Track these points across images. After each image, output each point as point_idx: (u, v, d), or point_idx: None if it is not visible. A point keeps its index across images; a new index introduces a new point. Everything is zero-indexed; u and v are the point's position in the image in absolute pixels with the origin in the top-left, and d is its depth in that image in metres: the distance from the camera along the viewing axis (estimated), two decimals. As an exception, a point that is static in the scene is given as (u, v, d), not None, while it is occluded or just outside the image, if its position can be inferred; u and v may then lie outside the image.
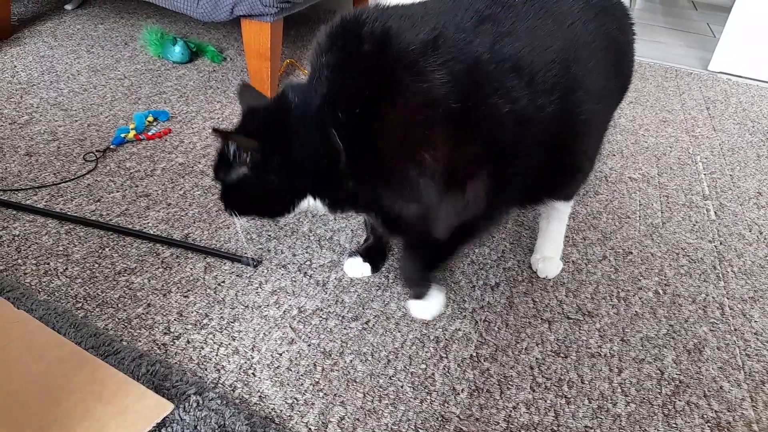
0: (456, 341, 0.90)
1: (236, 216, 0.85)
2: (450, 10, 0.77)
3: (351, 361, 0.85)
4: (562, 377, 0.86)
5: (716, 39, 2.43)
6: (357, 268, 1.02)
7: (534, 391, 0.83)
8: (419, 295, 0.94)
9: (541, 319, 0.96)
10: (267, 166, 0.78)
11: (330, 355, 0.85)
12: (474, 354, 0.88)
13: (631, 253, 1.15)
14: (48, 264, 0.95)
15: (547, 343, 0.91)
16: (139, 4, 2.19)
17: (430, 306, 0.94)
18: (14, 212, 1.06)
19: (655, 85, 2.09)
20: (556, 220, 1.07)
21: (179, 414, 0.71)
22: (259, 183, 0.79)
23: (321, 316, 0.92)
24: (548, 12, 0.82)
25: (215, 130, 0.74)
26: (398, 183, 0.77)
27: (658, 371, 0.89)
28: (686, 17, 3.42)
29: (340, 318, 0.92)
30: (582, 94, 0.83)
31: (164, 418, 0.70)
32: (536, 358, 0.88)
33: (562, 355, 0.90)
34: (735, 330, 0.98)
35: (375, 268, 1.03)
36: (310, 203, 0.83)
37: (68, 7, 2.17)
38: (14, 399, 0.66)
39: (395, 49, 0.71)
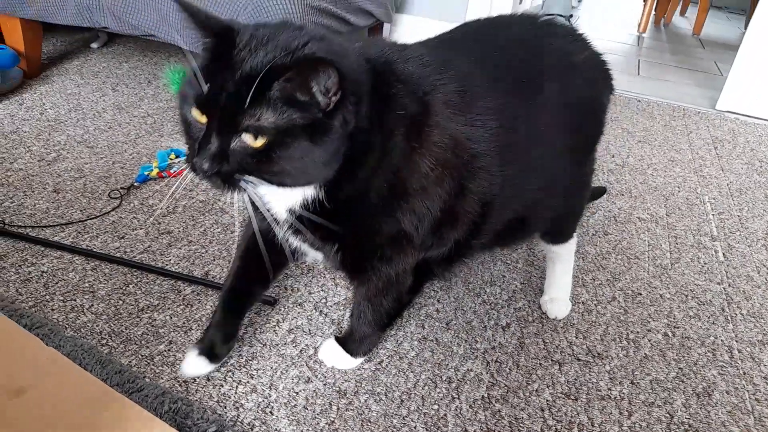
0: (468, 382, 0.92)
1: (244, 190, 0.66)
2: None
3: (365, 401, 0.87)
4: (573, 420, 0.87)
5: (724, 78, 2.47)
6: (193, 364, 0.86)
7: (545, 433, 0.85)
8: (367, 351, 0.94)
9: (552, 360, 0.98)
10: (352, 117, 0.66)
11: (345, 395, 0.88)
12: (485, 395, 0.90)
13: (641, 294, 1.17)
14: (75, 300, 0.99)
15: (557, 385, 0.93)
16: (162, 44, 2.28)
17: (354, 361, 0.93)
18: (42, 248, 1.11)
19: (663, 124, 2.13)
20: (558, 262, 1.09)
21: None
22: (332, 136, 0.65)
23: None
24: (517, 78, 0.85)
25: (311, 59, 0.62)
26: (405, 207, 0.75)
27: (667, 415, 0.90)
28: (693, 55, 3.47)
29: (355, 357, 0.95)
30: (541, 154, 0.87)
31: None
32: (547, 400, 0.90)
33: (572, 397, 0.91)
34: (744, 374, 1.00)
35: (216, 360, 0.87)
36: (306, 193, 0.72)
37: (94, 45, 2.26)
38: (44, 435, 0.69)
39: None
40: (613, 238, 1.36)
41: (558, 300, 1.09)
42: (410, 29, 2.55)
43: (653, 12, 4.10)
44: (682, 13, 5.06)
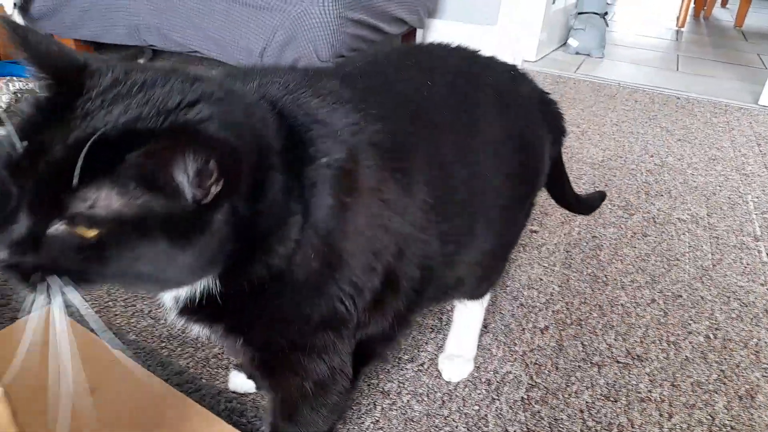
0: (507, 384, 0.95)
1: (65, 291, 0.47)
2: None
3: (408, 401, 0.91)
4: (612, 421, 0.89)
5: None
6: (239, 383, 0.87)
7: (584, 434, 0.87)
8: None
9: (591, 362, 1.00)
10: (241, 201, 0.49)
11: (388, 395, 0.91)
12: (525, 396, 0.92)
13: (681, 296, 1.17)
14: (135, 305, 1.06)
15: (596, 387, 0.95)
16: (204, 58, 2.37)
17: None
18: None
19: (704, 121, 2.10)
20: (466, 316, 0.98)
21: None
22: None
23: (397, 351, 0.99)
24: (452, 117, 0.74)
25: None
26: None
27: (709, 417, 0.90)
28: (736, 48, 3.38)
29: (397, 359, 0.99)
30: (478, 206, 0.76)
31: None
32: (586, 402, 0.92)
33: (612, 399, 0.93)
34: (789, 376, 0.99)
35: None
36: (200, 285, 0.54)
37: (141, 61, 2.38)
38: (113, 434, 0.75)
39: None
40: (653, 239, 1.36)
41: (455, 358, 0.97)
42: (443, 34, 2.58)
43: (692, 5, 4.01)
44: (723, 4, 4.92)
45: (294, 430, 0.69)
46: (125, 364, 0.85)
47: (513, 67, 0.87)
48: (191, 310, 0.57)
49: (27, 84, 1.79)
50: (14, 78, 1.77)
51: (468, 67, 0.82)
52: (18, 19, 1.91)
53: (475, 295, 0.94)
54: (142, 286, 0.52)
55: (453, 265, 0.76)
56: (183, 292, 0.55)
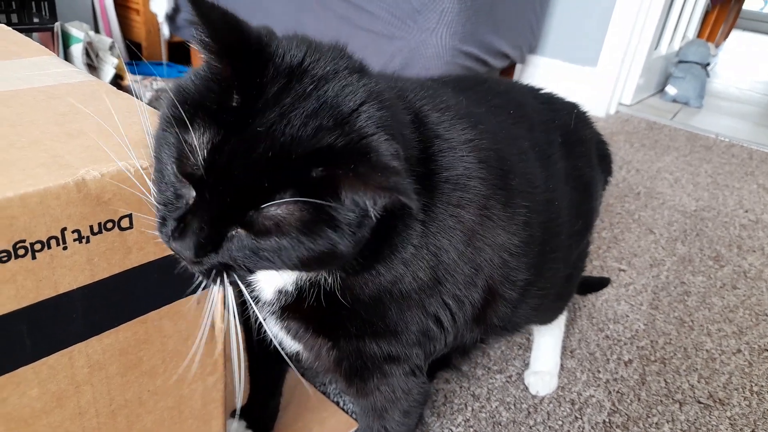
0: (590, 406, 1.01)
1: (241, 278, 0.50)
2: None
3: (496, 407, 0.99)
4: (691, 455, 0.93)
5: None
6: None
7: (663, 463, 0.92)
8: None
9: (673, 399, 1.04)
10: None
11: (478, 399, 1.00)
12: (607, 420, 0.99)
13: (768, 350, 1.19)
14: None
15: (677, 422, 0.99)
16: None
17: None
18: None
19: (805, 182, 2.06)
20: (547, 335, 1.06)
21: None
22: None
23: (470, 365, 1.08)
24: (537, 147, 0.77)
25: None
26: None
27: (789, 467, 0.93)
28: None
29: (486, 369, 1.07)
30: (558, 230, 0.78)
31: None
32: (666, 434, 0.97)
33: (691, 435, 0.97)
34: None
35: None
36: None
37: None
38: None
39: None
40: (742, 293, 1.38)
41: (541, 373, 1.05)
42: (541, 71, 2.65)
43: (801, 62, 3.87)
44: (836, 63, 4.70)
45: (395, 430, 0.72)
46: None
47: (576, 106, 0.92)
48: (291, 306, 0.58)
49: (168, 83, 2.02)
50: (156, 78, 2.01)
51: (539, 102, 0.86)
52: (165, 27, 2.16)
53: (543, 321, 0.99)
54: (305, 270, 0.53)
55: (528, 293, 0.75)
56: (291, 283, 0.57)
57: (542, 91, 0.92)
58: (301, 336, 0.62)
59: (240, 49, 0.45)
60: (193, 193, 0.45)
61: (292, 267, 0.48)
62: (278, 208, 0.44)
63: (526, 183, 0.70)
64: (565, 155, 0.81)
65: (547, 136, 0.81)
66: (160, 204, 0.47)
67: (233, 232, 0.46)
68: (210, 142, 0.43)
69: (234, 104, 0.44)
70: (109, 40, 1.97)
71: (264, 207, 0.43)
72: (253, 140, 0.43)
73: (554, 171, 0.78)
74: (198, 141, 0.43)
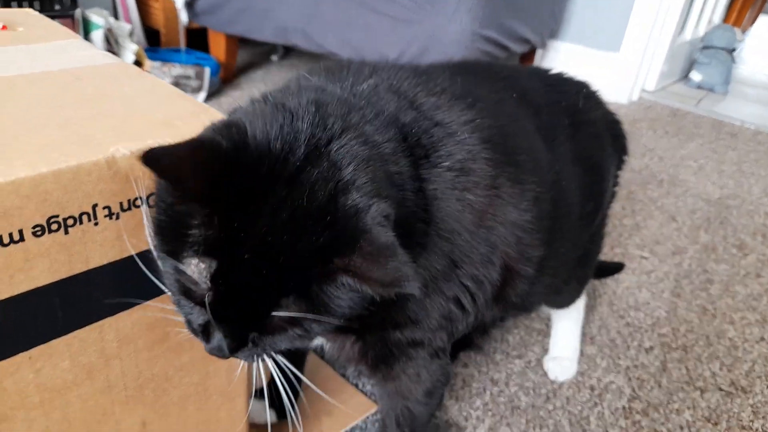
0: (610, 392, 1.01)
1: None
2: None
3: (515, 391, 0.99)
4: (712, 442, 0.93)
5: None
6: (259, 413, 0.85)
7: (683, 449, 0.92)
8: None
9: (694, 386, 1.04)
10: None
11: (497, 384, 1.00)
12: (626, 406, 0.98)
13: (792, 339, 1.18)
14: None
15: (698, 409, 0.99)
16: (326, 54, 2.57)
17: None
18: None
19: (834, 170, 2.01)
20: (564, 319, 1.06)
21: (379, 414, 0.91)
22: None
23: (489, 351, 1.08)
24: (542, 126, 0.76)
25: None
26: None
27: (812, 456, 0.92)
28: None
29: (505, 354, 1.07)
30: (569, 211, 0.78)
31: (367, 416, 0.90)
32: (687, 420, 0.96)
33: (712, 422, 0.97)
34: None
35: (282, 414, 0.84)
36: None
37: (274, 58, 2.61)
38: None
39: None
40: (767, 281, 1.36)
41: (560, 359, 1.05)
42: (563, 57, 2.62)
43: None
44: None
45: (422, 411, 0.75)
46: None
47: (585, 85, 0.90)
48: None
49: (185, 69, 2.04)
50: (175, 64, 2.03)
51: (545, 85, 0.85)
52: (183, 13, 2.18)
53: (559, 304, 0.99)
54: None
55: (543, 271, 0.75)
56: None
57: (550, 73, 0.90)
58: (324, 335, 0.64)
59: (215, 193, 0.43)
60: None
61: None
62: (287, 311, 0.45)
63: (533, 160, 0.69)
64: (573, 137, 0.80)
65: (554, 119, 0.80)
66: (178, 299, 0.48)
67: (254, 335, 0.48)
68: (208, 274, 0.44)
69: (219, 233, 0.43)
70: (128, 27, 1.99)
71: (274, 315, 0.45)
72: (245, 262, 0.43)
73: (561, 153, 0.77)
74: (198, 275, 0.44)
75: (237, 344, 0.47)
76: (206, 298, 0.44)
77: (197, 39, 2.35)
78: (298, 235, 0.43)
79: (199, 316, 0.47)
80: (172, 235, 0.45)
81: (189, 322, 0.49)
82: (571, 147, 0.79)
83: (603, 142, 0.87)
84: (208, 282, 0.44)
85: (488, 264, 0.62)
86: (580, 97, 0.86)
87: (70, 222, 0.44)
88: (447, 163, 0.56)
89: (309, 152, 0.46)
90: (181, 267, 0.44)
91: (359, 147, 0.48)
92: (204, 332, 0.48)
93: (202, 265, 0.44)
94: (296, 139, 0.46)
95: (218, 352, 0.48)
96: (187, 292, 0.46)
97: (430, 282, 0.58)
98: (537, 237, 0.68)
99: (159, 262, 0.47)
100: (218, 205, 0.43)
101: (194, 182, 0.42)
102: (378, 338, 0.63)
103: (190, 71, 2.04)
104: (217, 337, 0.47)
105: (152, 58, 2.06)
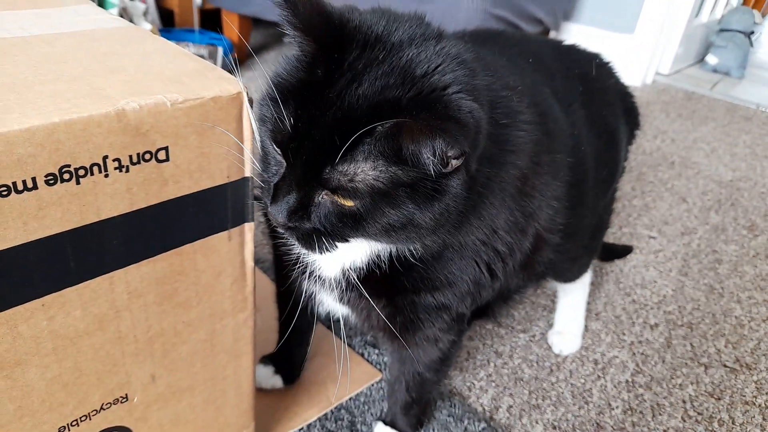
0: (613, 366, 1.02)
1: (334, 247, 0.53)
2: None
3: (519, 364, 1.00)
4: (714, 415, 0.93)
5: None
6: (266, 379, 0.88)
7: (684, 421, 0.92)
8: (416, 425, 0.84)
9: (698, 362, 1.04)
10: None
11: (501, 356, 1.02)
12: (630, 380, 0.99)
13: (800, 319, 1.17)
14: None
15: (701, 384, 0.99)
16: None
17: None
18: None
19: None
20: (570, 294, 1.06)
21: (383, 382, 0.92)
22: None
23: (494, 324, 1.09)
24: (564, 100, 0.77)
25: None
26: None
27: (815, 431, 0.92)
28: None
29: (510, 328, 1.08)
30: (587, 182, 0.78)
31: (372, 384, 0.92)
32: (690, 395, 0.97)
33: (715, 396, 0.97)
34: None
35: (288, 380, 0.89)
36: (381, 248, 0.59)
37: (287, 39, 2.60)
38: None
39: None
40: (776, 262, 1.35)
41: (564, 333, 1.05)
42: (577, 39, 2.58)
43: None
44: None
45: (433, 377, 0.77)
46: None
47: (597, 56, 0.90)
48: (358, 281, 0.60)
49: (199, 50, 2.05)
50: (189, 44, 2.04)
51: (558, 53, 0.86)
52: (198, -9, 2.18)
53: (568, 277, 0.99)
54: (387, 243, 0.55)
55: (566, 238, 0.75)
56: (362, 261, 0.59)
57: (562, 43, 0.91)
58: (353, 302, 0.65)
59: (322, 27, 0.49)
60: (284, 162, 0.50)
61: (376, 236, 0.51)
62: (351, 165, 0.46)
63: (559, 128, 0.70)
64: (587, 103, 0.80)
65: (568, 83, 0.80)
66: (262, 178, 0.54)
67: (319, 198, 0.50)
68: (295, 112, 0.48)
69: (318, 77, 0.48)
70: (142, 6, 1.99)
71: (338, 163, 0.46)
72: (327, 104, 0.47)
73: (577, 118, 0.77)
74: (286, 113, 0.48)
75: (298, 206, 0.49)
76: (287, 138, 0.48)
77: (211, 19, 2.36)
78: (383, 88, 0.46)
79: (277, 172, 0.51)
80: (282, 79, 0.51)
81: (263, 185, 0.53)
82: (587, 113, 0.80)
83: (616, 110, 0.87)
84: (292, 120, 0.48)
85: (522, 233, 0.63)
86: (592, 66, 0.87)
87: (81, 172, 0.45)
88: (505, 121, 0.57)
89: (421, 38, 0.51)
90: (277, 110, 0.49)
91: (464, 64, 0.51)
92: (271, 194, 0.51)
93: (293, 106, 0.48)
94: (413, 30, 0.51)
95: (278, 215, 0.50)
96: (274, 136, 0.50)
97: (470, 243, 0.59)
98: (565, 205, 0.69)
99: (260, 118, 0.52)
100: (326, 46, 0.48)
101: (314, 17, 0.48)
102: (409, 302, 0.63)
103: (204, 51, 2.05)
104: (282, 198, 0.50)
105: (166, 38, 2.07)
